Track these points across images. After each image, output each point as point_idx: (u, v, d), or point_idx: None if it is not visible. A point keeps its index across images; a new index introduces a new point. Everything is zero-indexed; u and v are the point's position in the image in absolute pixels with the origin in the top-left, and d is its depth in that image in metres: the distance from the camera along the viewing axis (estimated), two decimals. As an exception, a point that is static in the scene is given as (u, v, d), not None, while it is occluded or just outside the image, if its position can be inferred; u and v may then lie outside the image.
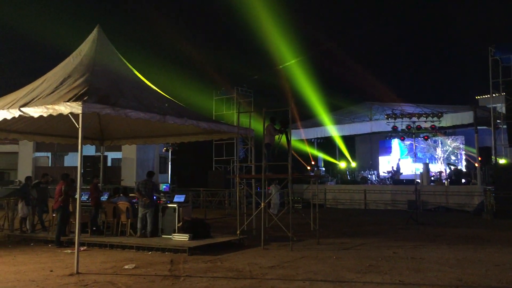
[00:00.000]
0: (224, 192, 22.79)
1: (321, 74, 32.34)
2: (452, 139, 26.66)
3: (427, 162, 24.75)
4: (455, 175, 22.72)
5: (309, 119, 27.35)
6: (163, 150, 26.69)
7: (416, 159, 21.53)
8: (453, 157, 26.50)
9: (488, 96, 21.20)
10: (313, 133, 27.07)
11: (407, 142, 25.81)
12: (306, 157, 27.70)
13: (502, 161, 20.92)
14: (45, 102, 9.14)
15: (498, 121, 20.49)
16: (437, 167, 25.72)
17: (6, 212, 13.77)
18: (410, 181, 21.66)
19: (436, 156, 27.12)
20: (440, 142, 26.86)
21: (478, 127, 20.63)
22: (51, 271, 8.18)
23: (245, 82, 27.97)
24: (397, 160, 27.23)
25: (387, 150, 29.18)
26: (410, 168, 25.23)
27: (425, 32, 55.52)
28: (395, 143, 28.00)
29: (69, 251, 10.15)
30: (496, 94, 20.24)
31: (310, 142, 28.48)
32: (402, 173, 25.71)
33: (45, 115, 8.88)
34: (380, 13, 54.43)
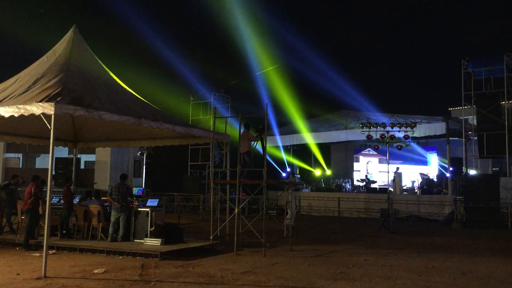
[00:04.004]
0: (199, 197, 22.67)
1: (298, 82, 32.60)
2: (426, 149, 27.08)
3: (400, 171, 25.07)
4: (427, 185, 23.11)
5: (285, 126, 27.48)
6: (138, 154, 26.39)
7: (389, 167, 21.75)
8: (426, 167, 26.90)
9: (460, 108, 21.71)
10: (289, 140, 27.18)
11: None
12: (281, 163, 27.81)
13: (472, 171, 21.39)
14: (16, 101, 8.96)
15: (469, 132, 20.99)
16: (411, 177, 26.09)
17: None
18: (383, 190, 21.91)
19: (410, 166, 27.49)
20: (414, 152, 27.22)
21: (450, 138, 21.08)
22: (18, 274, 8.01)
23: (223, 88, 28.03)
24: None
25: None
26: (384, 177, 25.52)
27: (401, 44, 56.58)
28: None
29: (38, 254, 9.93)
30: (468, 106, 20.73)
31: (286, 149, 28.60)
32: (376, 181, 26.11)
33: (16, 115, 8.70)
34: (356, 25, 55.25)
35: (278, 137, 26.67)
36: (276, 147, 27.30)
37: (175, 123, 11.82)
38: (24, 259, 9.57)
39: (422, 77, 55.05)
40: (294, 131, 26.77)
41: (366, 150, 28.45)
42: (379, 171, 27.70)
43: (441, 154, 25.92)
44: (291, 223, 15.95)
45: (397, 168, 24.40)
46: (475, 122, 20.10)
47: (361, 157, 28.92)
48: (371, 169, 28.21)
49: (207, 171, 26.03)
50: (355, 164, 29.37)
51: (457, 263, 9.93)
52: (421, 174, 25.14)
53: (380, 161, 27.82)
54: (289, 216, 16.52)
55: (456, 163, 21.52)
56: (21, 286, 7.17)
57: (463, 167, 20.71)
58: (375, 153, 27.37)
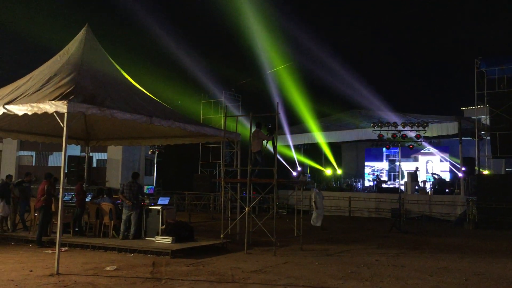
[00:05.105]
0: (209, 195, 22.73)
1: (309, 80, 32.43)
2: (438, 149, 26.72)
3: (414, 170, 24.88)
4: (439, 185, 22.94)
5: (297, 125, 27.42)
6: (149, 152, 26.56)
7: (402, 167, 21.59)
8: (440, 167, 26.57)
9: (473, 107, 21.48)
10: (300, 139, 27.10)
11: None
12: (292, 163, 27.77)
13: (485, 172, 21.17)
14: (30, 100, 9.06)
15: (482, 132, 20.74)
16: (424, 176, 25.83)
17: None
18: (394, 190, 21.78)
19: (424, 165, 27.18)
20: (427, 152, 26.91)
21: (463, 138, 20.88)
22: (31, 271, 8.10)
23: (234, 86, 28.07)
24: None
25: (376, 158, 29.26)
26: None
27: (413, 43, 56.15)
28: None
29: (50, 251, 10.05)
30: (481, 105, 20.50)
31: (297, 148, 28.53)
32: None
33: (29, 113, 8.80)
34: (369, 24, 54.96)
35: (289, 136, 26.60)
36: (287, 146, 27.23)
37: (186, 121, 11.86)
38: (37, 256, 9.68)
39: (435, 76, 54.55)
40: (305, 130, 26.68)
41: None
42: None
43: (453, 154, 25.59)
44: (318, 225, 15.86)
45: (417, 168, 24.18)
46: (488, 121, 19.88)
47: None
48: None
49: (217, 169, 26.08)
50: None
51: (469, 263, 9.85)
52: (432, 174, 24.96)
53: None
54: (314, 216, 16.36)
55: (469, 163, 21.32)
56: (34, 283, 7.25)
57: (476, 167, 20.51)
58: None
